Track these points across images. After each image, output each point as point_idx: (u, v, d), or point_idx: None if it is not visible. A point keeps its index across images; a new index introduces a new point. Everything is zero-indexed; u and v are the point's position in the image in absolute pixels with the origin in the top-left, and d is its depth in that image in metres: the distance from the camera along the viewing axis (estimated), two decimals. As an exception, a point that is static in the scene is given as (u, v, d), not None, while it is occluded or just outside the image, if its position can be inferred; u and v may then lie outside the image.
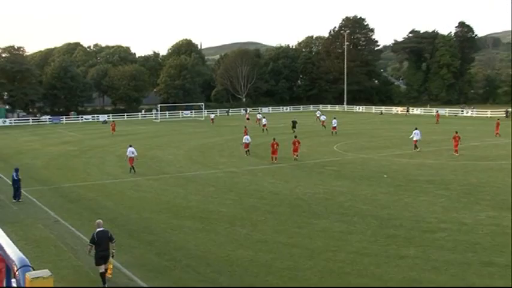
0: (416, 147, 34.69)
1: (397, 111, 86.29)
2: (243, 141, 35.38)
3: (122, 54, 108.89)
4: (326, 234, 16.10)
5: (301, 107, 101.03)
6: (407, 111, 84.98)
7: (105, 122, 74.46)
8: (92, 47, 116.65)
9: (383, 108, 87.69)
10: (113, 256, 12.65)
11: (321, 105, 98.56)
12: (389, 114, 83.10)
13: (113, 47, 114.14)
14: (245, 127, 42.09)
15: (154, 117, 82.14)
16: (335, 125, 48.00)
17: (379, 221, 17.49)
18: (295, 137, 33.71)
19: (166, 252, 14.72)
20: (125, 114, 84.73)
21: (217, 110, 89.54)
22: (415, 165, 29.42)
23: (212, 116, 74.83)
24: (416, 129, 36.13)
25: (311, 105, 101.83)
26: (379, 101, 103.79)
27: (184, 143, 43.98)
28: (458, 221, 17.27)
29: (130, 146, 29.71)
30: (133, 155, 28.85)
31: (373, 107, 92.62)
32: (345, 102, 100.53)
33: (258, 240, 15.69)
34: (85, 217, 18.76)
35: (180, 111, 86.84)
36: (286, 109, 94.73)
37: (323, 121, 55.64)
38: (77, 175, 28.37)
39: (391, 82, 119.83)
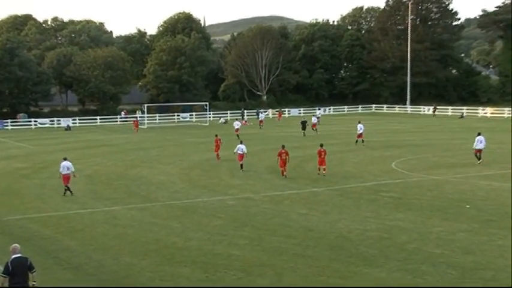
0: (478, 158, 37.40)
1: (485, 112, 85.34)
2: (236, 151, 37.10)
3: (92, 33, 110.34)
4: (382, 290, 15.89)
5: (346, 107, 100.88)
6: (434, 111, 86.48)
7: (68, 128, 75.38)
8: (49, 22, 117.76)
9: (464, 109, 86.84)
10: None
11: (350, 107, 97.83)
12: (473, 117, 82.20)
13: (80, 22, 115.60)
14: (216, 136, 42.79)
15: (139, 122, 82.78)
16: (361, 131, 49.78)
17: (459, 271, 17.22)
18: (321, 145, 34.67)
19: (153, 313, 14.66)
20: (98, 117, 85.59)
21: (228, 111, 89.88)
22: (512, 190, 28.93)
23: (223, 120, 76.64)
24: (479, 134, 37.67)
25: (359, 106, 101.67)
26: (459, 99, 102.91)
27: (181, 157, 44.17)
28: None
29: (65, 159, 30.42)
30: (68, 172, 29.76)
31: (450, 107, 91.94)
32: (407, 101, 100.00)
33: (285, 296, 15.54)
34: (38, 263, 18.74)
35: (176, 114, 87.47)
36: (325, 111, 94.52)
37: (314, 124, 62.69)
38: (27, 203, 28.48)
39: (477, 71, 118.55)
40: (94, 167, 39.70)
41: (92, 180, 34.39)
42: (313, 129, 61.72)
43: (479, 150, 37.50)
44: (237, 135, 54.69)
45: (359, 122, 51.43)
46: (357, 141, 49.82)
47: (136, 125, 71.64)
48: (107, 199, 28.94)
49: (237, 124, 59.85)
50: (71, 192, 29.52)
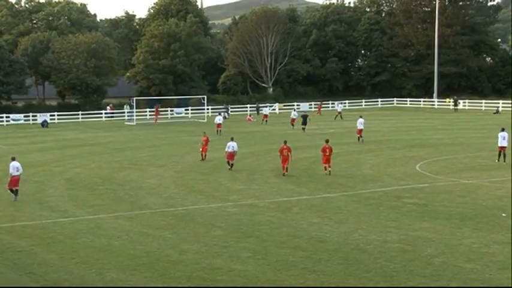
0: (499, 156, 38.50)
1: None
2: (227, 149, 38.01)
3: (73, 16, 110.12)
4: (405, 310, 15.89)
5: (363, 101, 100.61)
6: (456, 105, 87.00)
7: (45, 124, 75.29)
8: (23, 3, 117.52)
9: (500, 103, 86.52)
10: None
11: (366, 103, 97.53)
12: (510, 113, 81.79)
13: (58, 3, 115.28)
14: (204, 133, 43.66)
15: (126, 118, 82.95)
16: (361, 126, 51.50)
17: (493, 288, 17.17)
18: (327, 141, 35.74)
19: (143, 336, 14.68)
20: (80, 112, 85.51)
21: (229, 106, 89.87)
22: (554, 196, 28.81)
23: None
24: (503, 130, 38.51)
25: (379, 99, 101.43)
26: (494, 92, 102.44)
27: (175, 158, 44.20)
28: None
29: (14, 159, 30.73)
30: (17, 173, 30.07)
31: (483, 101, 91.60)
32: (434, 94, 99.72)
33: (293, 317, 15.56)
34: (11, 279, 18.81)
35: (169, 109, 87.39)
36: (339, 105, 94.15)
37: (293, 119, 65.94)
38: (-1, 211, 28.57)
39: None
40: (75, 170, 39.70)
41: (73, 185, 34.39)
42: (292, 125, 64.41)
43: (503, 148, 38.24)
44: (217, 131, 58.44)
45: (360, 117, 52.67)
46: (359, 137, 51.08)
47: (157, 112, 78.21)
48: (90, 206, 28.91)
49: (219, 119, 61.34)
50: (15, 196, 29.74)
